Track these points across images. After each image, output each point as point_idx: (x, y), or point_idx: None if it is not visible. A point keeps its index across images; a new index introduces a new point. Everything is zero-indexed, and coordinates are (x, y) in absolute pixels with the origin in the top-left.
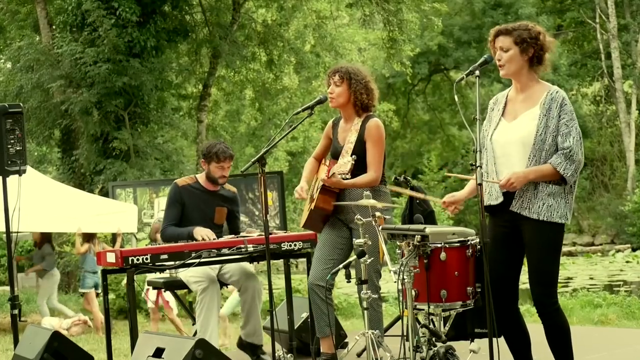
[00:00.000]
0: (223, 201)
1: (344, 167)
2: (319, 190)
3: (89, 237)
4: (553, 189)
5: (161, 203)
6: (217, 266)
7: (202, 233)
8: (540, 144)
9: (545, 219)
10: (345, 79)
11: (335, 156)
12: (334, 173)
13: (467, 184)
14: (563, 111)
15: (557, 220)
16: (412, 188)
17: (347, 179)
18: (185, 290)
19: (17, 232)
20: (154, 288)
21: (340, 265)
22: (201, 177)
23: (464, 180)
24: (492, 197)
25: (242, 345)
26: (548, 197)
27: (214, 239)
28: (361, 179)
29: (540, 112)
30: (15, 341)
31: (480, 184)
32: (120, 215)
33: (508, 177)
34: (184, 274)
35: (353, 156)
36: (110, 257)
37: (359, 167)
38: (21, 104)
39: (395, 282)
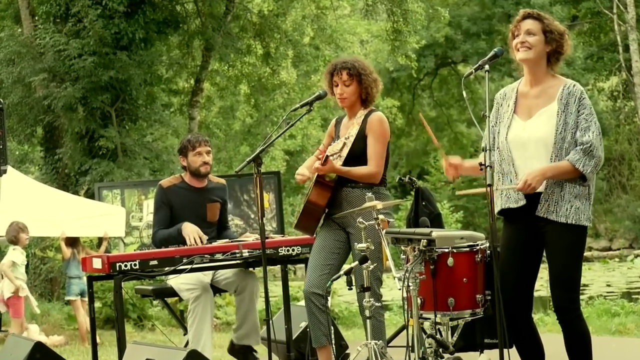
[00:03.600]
0: (213, 195)
1: (336, 146)
2: (313, 183)
3: (72, 242)
4: (579, 190)
5: (150, 205)
6: (211, 272)
7: (191, 233)
8: (561, 143)
9: (573, 222)
10: (355, 76)
11: None
12: (327, 156)
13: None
14: (582, 105)
15: (584, 223)
16: (418, 190)
17: (346, 160)
18: (176, 299)
19: None
20: (143, 296)
21: (342, 272)
22: (186, 176)
23: (476, 194)
24: (511, 199)
25: (234, 350)
26: (575, 199)
27: (206, 240)
28: (359, 169)
29: (559, 108)
30: None
31: (490, 185)
32: (107, 218)
33: (524, 178)
34: (175, 281)
35: (348, 137)
36: (97, 263)
37: (357, 164)
38: (1, 100)
39: (399, 289)
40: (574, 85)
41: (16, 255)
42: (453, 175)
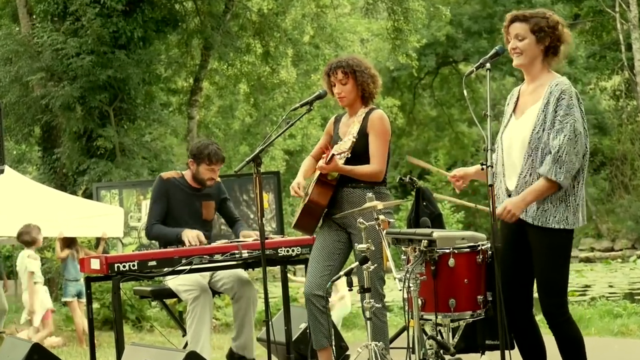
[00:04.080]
0: (209, 196)
1: (343, 145)
2: (314, 182)
3: (69, 243)
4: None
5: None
6: (209, 273)
7: (191, 235)
8: (537, 142)
9: (540, 225)
10: (350, 73)
11: None
12: (333, 155)
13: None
14: (559, 106)
15: (553, 226)
16: (419, 190)
17: (347, 159)
18: (175, 300)
19: None
20: (142, 297)
21: (342, 272)
22: (187, 174)
23: (426, 167)
24: (499, 199)
25: (233, 357)
26: (545, 201)
27: (204, 243)
28: (362, 168)
29: (540, 107)
30: None
31: (492, 185)
32: (105, 219)
33: (503, 205)
34: (173, 282)
35: (354, 135)
36: (95, 264)
37: (358, 162)
38: None
39: (400, 290)
40: (557, 84)
41: (31, 263)
42: (460, 186)
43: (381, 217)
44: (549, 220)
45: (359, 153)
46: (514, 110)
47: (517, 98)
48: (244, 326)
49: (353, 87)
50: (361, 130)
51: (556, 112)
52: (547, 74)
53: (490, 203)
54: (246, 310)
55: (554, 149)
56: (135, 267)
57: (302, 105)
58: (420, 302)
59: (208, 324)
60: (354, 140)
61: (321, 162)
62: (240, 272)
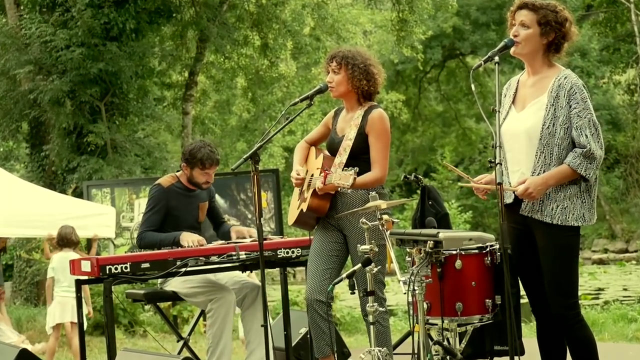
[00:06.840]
0: (202, 195)
1: (344, 179)
2: (311, 191)
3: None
4: (568, 190)
5: (142, 205)
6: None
7: (191, 239)
8: (548, 138)
9: (559, 223)
10: (344, 64)
11: (331, 149)
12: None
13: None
14: (573, 100)
15: (572, 224)
16: (424, 188)
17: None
18: (169, 304)
19: None
20: (134, 300)
21: (344, 275)
22: (182, 176)
23: (463, 177)
24: (506, 194)
25: None
26: (563, 198)
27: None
28: (365, 178)
29: (548, 101)
30: None
31: (500, 184)
32: (97, 219)
33: (526, 185)
34: (181, 285)
35: (355, 168)
36: (86, 266)
37: (356, 162)
38: None
39: (404, 293)
40: (565, 78)
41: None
42: (484, 195)
43: (385, 216)
44: (569, 217)
45: (356, 153)
46: (513, 102)
47: (516, 89)
48: (259, 339)
49: (343, 79)
50: (360, 131)
51: (571, 106)
52: (551, 67)
53: (499, 202)
54: (254, 316)
55: (584, 148)
56: (128, 270)
57: (302, 100)
58: (425, 305)
59: (230, 324)
60: (355, 177)
61: (318, 183)
62: (244, 276)
